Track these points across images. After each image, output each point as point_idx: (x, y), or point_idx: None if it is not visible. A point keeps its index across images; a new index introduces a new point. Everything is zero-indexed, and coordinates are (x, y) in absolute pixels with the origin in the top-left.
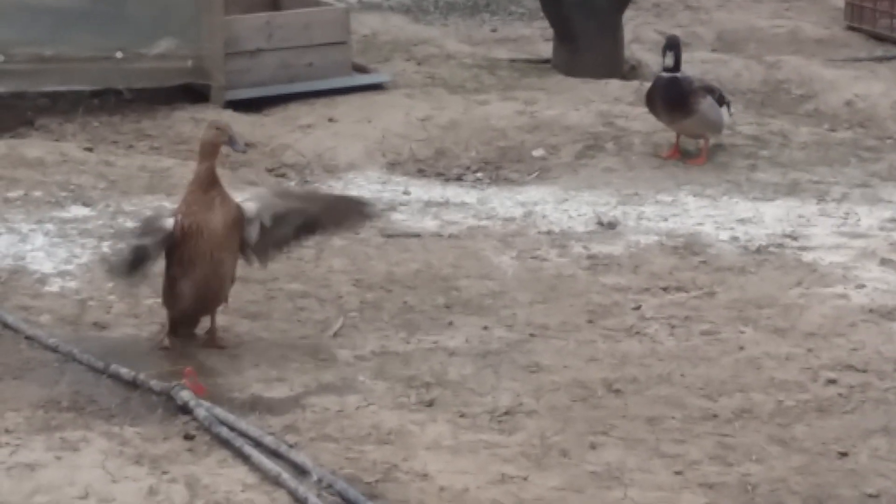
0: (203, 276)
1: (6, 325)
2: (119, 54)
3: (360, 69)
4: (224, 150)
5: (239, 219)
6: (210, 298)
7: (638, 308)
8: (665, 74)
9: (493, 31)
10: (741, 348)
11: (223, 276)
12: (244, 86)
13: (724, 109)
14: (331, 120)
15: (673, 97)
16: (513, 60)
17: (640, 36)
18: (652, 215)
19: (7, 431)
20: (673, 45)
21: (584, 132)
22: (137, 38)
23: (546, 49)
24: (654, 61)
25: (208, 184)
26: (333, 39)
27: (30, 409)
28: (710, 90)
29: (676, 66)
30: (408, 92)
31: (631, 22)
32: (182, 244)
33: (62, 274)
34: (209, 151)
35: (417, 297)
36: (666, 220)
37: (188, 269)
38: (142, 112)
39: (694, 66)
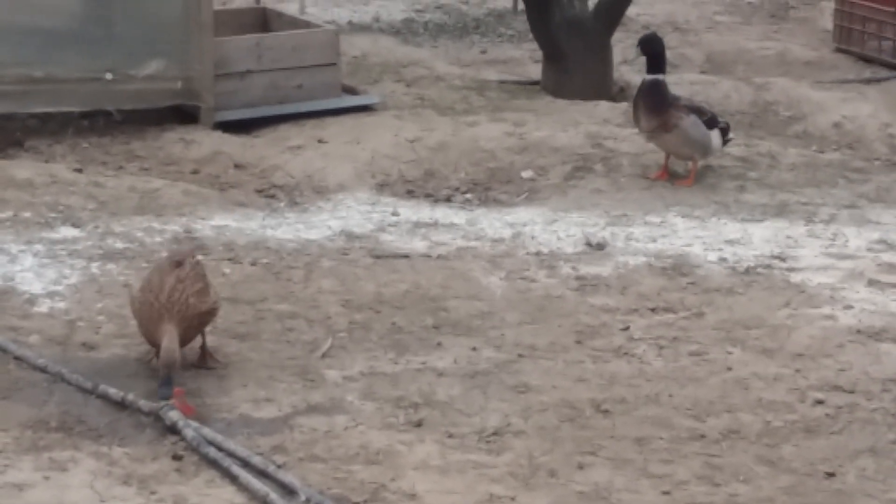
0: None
1: None
2: (108, 75)
3: (350, 90)
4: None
5: (202, 313)
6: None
7: (626, 329)
8: (649, 77)
9: (483, 52)
10: (729, 369)
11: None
12: (234, 107)
13: (715, 132)
14: (320, 141)
15: (654, 101)
16: (502, 82)
17: (629, 58)
18: (640, 236)
19: None
20: (643, 43)
21: (572, 153)
22: (127, 60)
23: (535, 71)
24: None
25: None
26: (323, 61)
27: (18, 429)
28: (697, 110)
29: (658, 67)
30: (397, 113)
31: (620, 44)
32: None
33: (51, 294)
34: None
35: (406, 318)
36: (654, 241)
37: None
38: (131, 133)
39: (683, 87)
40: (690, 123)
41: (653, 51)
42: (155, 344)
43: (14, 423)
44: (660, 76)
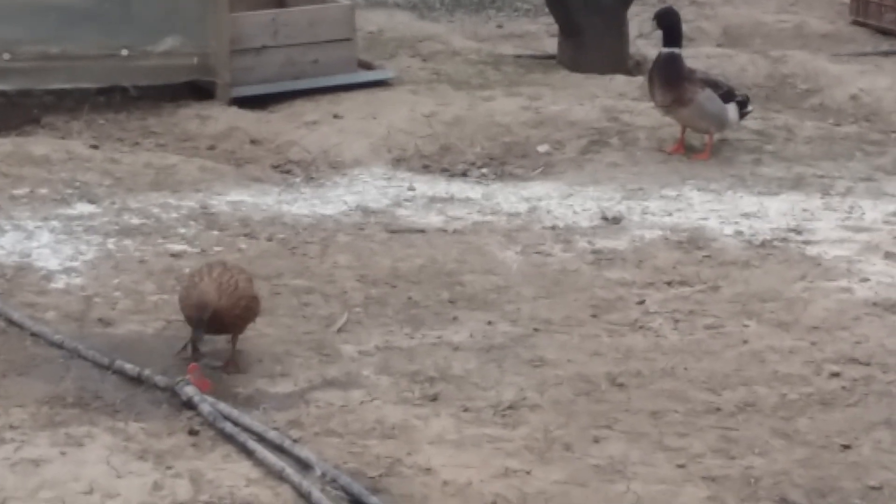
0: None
1: (11, 322)
2: (124, 52)
3: (366, 66)
4: None
5: (241, 313)
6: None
7: (642, 302)
8: (665, 50)
9: (499, 27)
10: (745, 342)
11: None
12: (250, 83)
13: (731, 106)
14: (336, 116)
15: (670, 75)
16: (518, 56)
17: (645, 31)
18: (656, 210)
19: (12, 427)
20: (660, 16)
21: (588, 127)
22: (143, 36)
23: (551, 45)
24: None
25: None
26: (339, 36)
27: (35, 405)
28: (713, 84)
29: (674, 41)
30: (413, 88)
31: (636, 17)
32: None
33: (67, 271)
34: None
35: (422, 293)
36: (670, 214)
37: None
38: (147, 109)
39: (699, 60)
40: (706, 97)
41: (669, 24)
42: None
43: (31, 399)
44: (676, 49)
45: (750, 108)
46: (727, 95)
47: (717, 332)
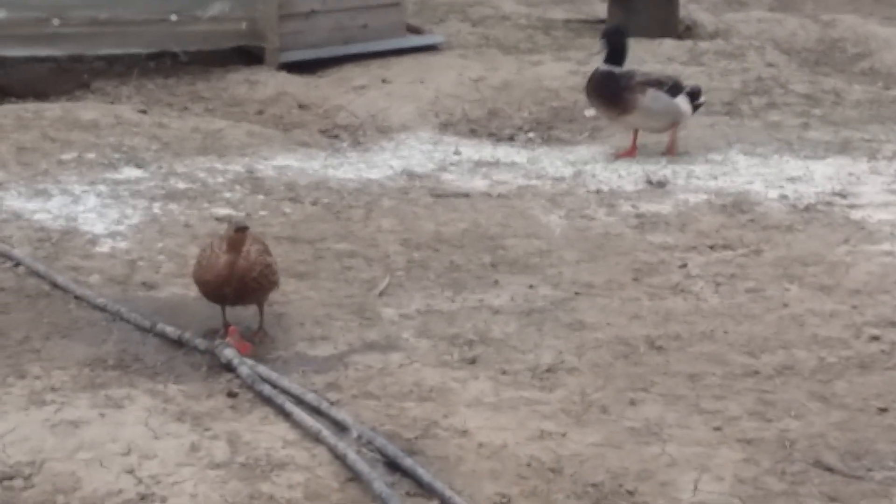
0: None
1: (56, 285)
2: (174, 17)
3: (415, 30)
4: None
5: (257, 284)
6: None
7: (684, 266)
8: (602, 67)
9: None
10: (785, 305)
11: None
12: (298, 48)
13: (681, 98)
14: (384, 81)
15: (606, 93)
16: (567, 21)
17: None
18: (702, 174)
19: (53, 389)
20: (608, 34)
21: None
22: (192, 1)
23: (602, 9)
24: (709, 21)
25: (227, 277)
26: (388, 1)
27: (76, 367)
28: (656, 83)
29: (615, 59)
30: (461, 53)
31: None
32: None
33: (113, 234)
34: (233, 247)
35: (464, 257)
36: (716, 178)
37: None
38: (197, 74)
39: (750, 24)
40: (651, 99)
41: (615, 42)
42: (220, 291)
43: (72, 361)
44: (615, 69)
45: (702, 98)
46: (674, 89)
47: (758, 296)
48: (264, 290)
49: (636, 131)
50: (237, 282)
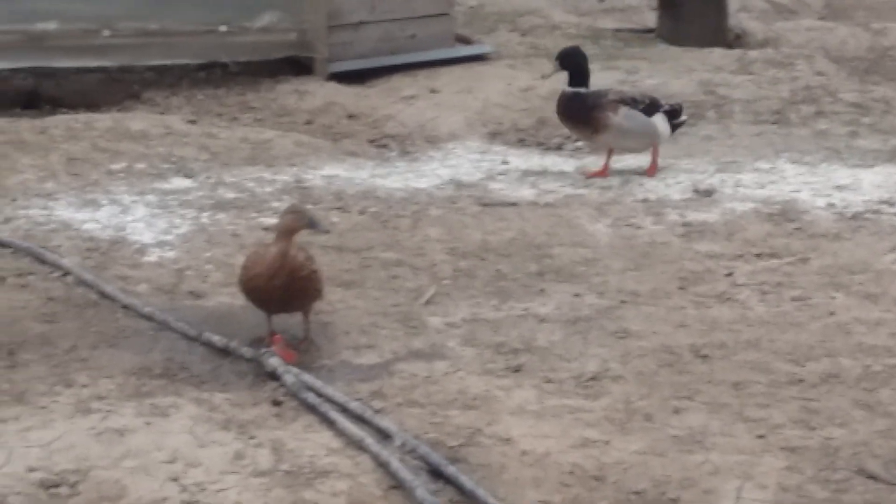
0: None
1: (104, 295)
2: (223, 28)
3: (463, 40)
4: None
5: (304, 286)
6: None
7: (730, 274)
8: (568, 89)
9: (601, 1)
10: (831, 314)
11: (289, 311)
12: (347, 58)
13: (658, 117)
14: (433, 91)
15: (575, 113)
16: (617, 30)
17: (748, 4)
18: (749, 182)
19: (99, 398)
20: (562, 57)
21: (684, 101)
22: (241, 12)
23: (652, 19)
24: (759, 30)
25: (278, 269)
26: (436, 11)
27: (122, 376)
28: (630, 101)
29: (579, 81)
30: (510, 62)
31: None
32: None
33: (161, 244)
34: (286, 234)
35: (511, 265)
36: (763, 187)
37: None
38: (246, 85)
39: (799, 33)
40: (623, 117)
41: (572, 65)
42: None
43: (119, 370)
44: (581, 90)
45: (683, 117)
46: (650, 108)
47: (804, 304)
48: (309, 295)
49: (610, 151)
50: (286, 276)
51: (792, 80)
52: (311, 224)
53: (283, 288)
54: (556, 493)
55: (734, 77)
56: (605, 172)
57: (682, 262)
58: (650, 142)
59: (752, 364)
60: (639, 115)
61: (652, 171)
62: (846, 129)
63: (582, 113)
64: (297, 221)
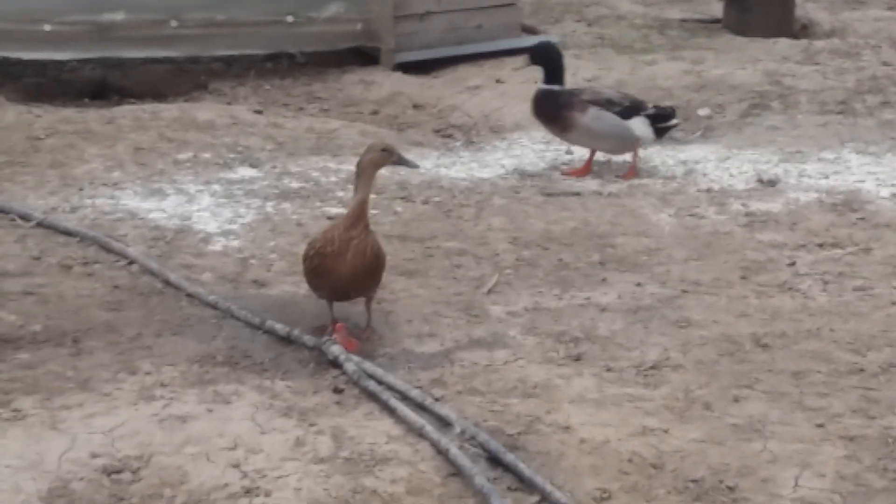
0: (329, 296)
1: (168, 283)
2: (290, 18)
3: (529, 30)
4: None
5: (371, 263)
6: (342, 300)
7: (792, 264)
8: (541, 87)
9: None
10: (893, 303)
11: (353, 297)
12: (413, 48)
13: (636, 121)
14: (498, 81)
15: (546, 111)
16: (683, 20)
17: None
18: (813, 172)
19: (162, 385)
20: (533, 53)
21: (750, 91)
22: (308, 2)
23: (719, 9)
24: (826, 20)
25: (356, 220)
26: (502, 1)
27: (186, 363)
28: (605, 102)
29: (553, 78)
30: (576, 52)
31: None
32: (312, 272)
33: (226, 233)
34: (371, 172)
35: (573, 255)
36: (827, 177)
37: (317, 287)
38: (313, 75)
39: (866, 23)
40: (591, 118)
41: (545, 61)
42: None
43: (182, 357)
44: (555, 87)
45: (674, 121)
46: (629, 110)
47: (866, 294)
48: (374, 275)
49: (592, 151)
50: (363, 231)
51: (858, 70)
52: (401, 160)
53: (351, 263)
54: (615, 481)
55: (800, 67)
56: (585, 171)
57: (745, 251)
58: (625, 144)
59: (813, 353)
60: (609, 117)
61: (629, 175)
62: None
63: (553, 111)
64: (386, 157)
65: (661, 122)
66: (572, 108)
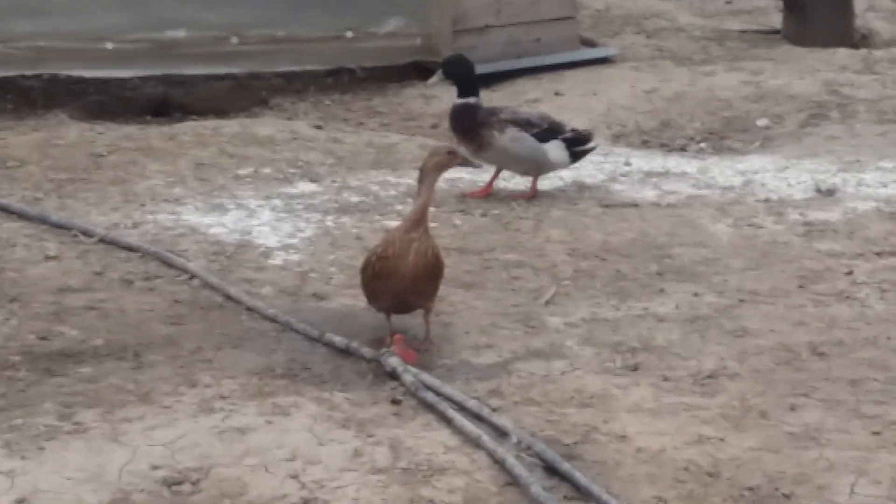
0: (388, 305)
1: (229, 297)
2: (349, 34)
3: (588, 43)
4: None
5: (432, 265)
6: (401, 312)
7: (850, 273)
8: (457, 101)
9: (728, 2)
10: None
11: (412, 306)
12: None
13: (552, 145)
14: (557, 94)
15: (462, 126)
16: (742, 32)
17: (876, 4)
18: (872, 182)
19: (222, 397)
20: (446, 65)
21: (808, 101)
22: (367, 18)
23: (779, 20)
24: (886, 30)
25: (416, 223)
26: (561, 15)
27: (245, 376)
28: (524, 123)
29: (468, 91)
30: (635, 65)
31: None
32: (373, 278)
33: (286, 247)
34: (435, 175)
35: (631, 265)
36: (885, 186)
37: (377, 295)
38: (373, 90)
39: None
40: (508, 139)
41: (457, 74)
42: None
43: (242, 370)
44: (471, 99)
45: (591, 144)
46: (547, 133)
47: None
48: (435, 279)
49: (498, 170)
50: (423, 234)
51: None
52: (466, 161)
53: (413, 267)
54: (671, 489)
55: (859, 77)
56: (485, 192)
57: (802, 260)
58: (539, 168)
59: (870, 361)
60: (527, 139)
61: (528, 195)
62: None
63: (470, 127)
64: (451, 160)
65: (578, 145)
66: (491, 126)
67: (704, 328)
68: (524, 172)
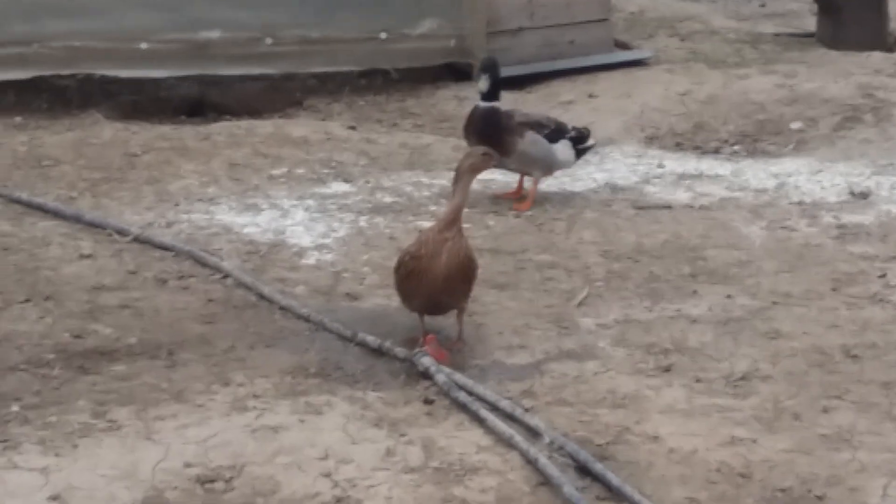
0: (422, 306)
1: (262, 296)
2: (383, 35)
3: (622, 46)
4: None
5: (465, 265)
6: (434, 312)
7: (883, 276)
8: (483, 104)
9: (762, 6)
10: None
11: (444, 307)
12: (506, 64)
13: (560, 145)
14: (591, 96)
15: (489, 132)
16: (776, 35)
17: None
18: None
19: (255, 396)
20: (488, 67)
21: (842, 104)
22: (401, 19)
23: (812, 23)
24: None
25: (450, 223)
26: (595, 17)
27: (279, 375)
28: (536, 125)
29: (495, 95)
30: (669, 67)
31: None
32: (406, 278)
33: (319, 247)
34: (468, 179)
35: (664, 267)
36: None
37: (410, 295)
38: (406, 91)
39: None
40: (529, 143)
41: (497, 77)
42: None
43: (275, 369)
44: (496, 103)
45: (590, 142)
46: (555, 134)
47: None
48: (468, 279)
49: (522, 175)
50: (457, 234)
51: None
52: (501, 163)
53: (446, 266)
54: (703, 490)
55: (893, 80)
56: (516, 194)
57: (836, 263)
58: (546, 169)
59: None
60: (542, 141)
61: (528, 205)
62: None
63: (496, 134)
64: (486, 162)
65: (580, 143)
66: (513, 132)
67: (737, 330)
68: (539, 175)
